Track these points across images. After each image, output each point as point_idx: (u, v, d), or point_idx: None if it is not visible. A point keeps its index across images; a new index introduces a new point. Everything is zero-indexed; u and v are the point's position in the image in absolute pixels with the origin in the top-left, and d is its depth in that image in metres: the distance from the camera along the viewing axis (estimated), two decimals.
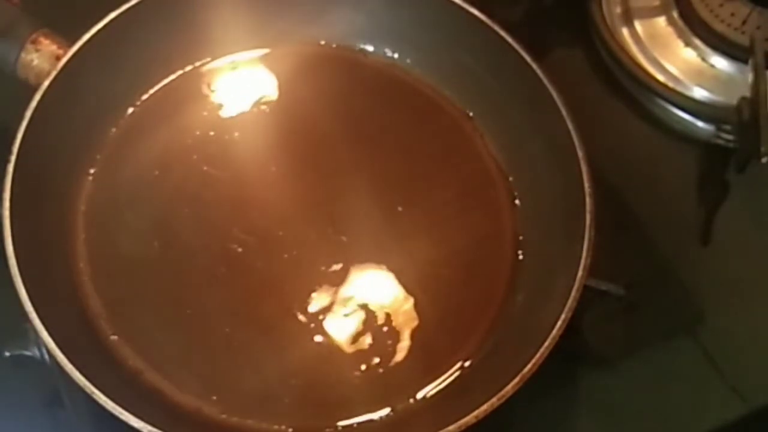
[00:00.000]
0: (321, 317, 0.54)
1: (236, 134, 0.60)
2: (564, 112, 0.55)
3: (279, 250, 0.56)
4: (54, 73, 0.55)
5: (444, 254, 0.57)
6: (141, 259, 0.55)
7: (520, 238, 0.58)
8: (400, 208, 0.58)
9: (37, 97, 0.54)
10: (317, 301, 0.55)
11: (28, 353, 0.51)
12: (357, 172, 0.59)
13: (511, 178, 0.60)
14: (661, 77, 0.67)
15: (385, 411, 0.52)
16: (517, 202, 0.59)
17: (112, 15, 0.57)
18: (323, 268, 0.56)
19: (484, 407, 0.46)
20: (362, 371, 0.53)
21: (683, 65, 0.68)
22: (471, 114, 0.62)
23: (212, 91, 0.62)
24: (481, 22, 0.59)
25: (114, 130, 0.60)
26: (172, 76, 0.62)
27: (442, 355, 0.54)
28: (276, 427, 0.51)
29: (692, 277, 0.60)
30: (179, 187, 0.58)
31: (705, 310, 0.59)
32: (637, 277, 0.57)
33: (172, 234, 0.56)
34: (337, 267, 0.56)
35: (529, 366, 0.47)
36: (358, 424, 0.52)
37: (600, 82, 0.69)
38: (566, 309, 0.49)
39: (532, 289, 0.55)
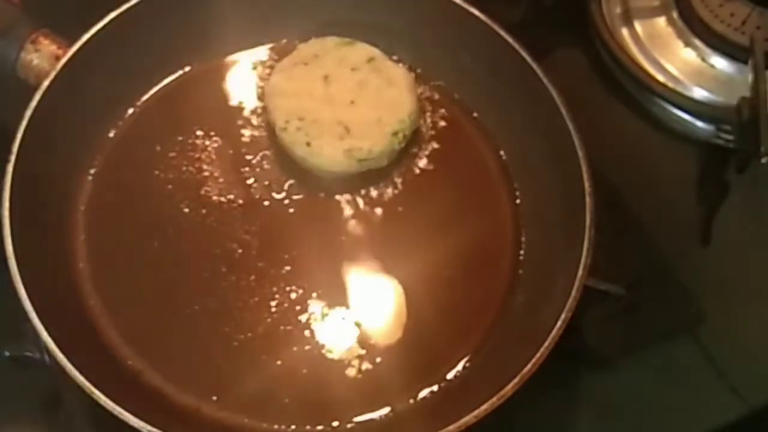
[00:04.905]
0: (322, 317, 0.54)
1: (237, 134, 0.60)
2: (564, 112, 0.55)
3: (279, 251, 0.56)
4: (54, 73, 0.55)
5: (444, 254, 0.57)
6: (141, 259, 0.55)
7: (521, 238, 0.58)
8: (400, 209, 0.58)
9: (37, 97, 0.54)
10: (318, 301, 0.55)
11: (28, 353, 0.51)
12: None
13: (511, 178, 0.60)
14: (661, 77, 0.67)
15: (385, 411, 0.52)
16: (517, 201, 0.59)
17: (112, 15, 0.57)
18: (324, 268, 0.56)
19: (484, 407, 0.46)
20: (362, 371, 0.53)
21: (683, 65, 0.68)
22: (472, 114, 0.62)
23: (211, 90, 0.62)
24: (481, 22, 0.59)
25: (114, 130, 0.60)
26: (172, 77, 0.62)
27: (442, 355, 0.54)
28: (276, 427, 0.51)
29: (692, 277, 0.60)
30: (179, 187, 0.58)
31: (705, 310, 0.59)
32: (637, 277, 0.57)
33: (172, 234, 0.56)
34: (337, 267, 0.56)
35: (529, 366, 0.47)
36: (358, 423, 0.52)
37: (600, 82, 0.69)
38: (566, 309, 0.49)
39: (532, 289, 0.55)
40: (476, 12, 0.59)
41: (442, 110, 0.62)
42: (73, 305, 0.53)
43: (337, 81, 0.59)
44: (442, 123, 0.62)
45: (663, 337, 0.58)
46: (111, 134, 0.60)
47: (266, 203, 0.58)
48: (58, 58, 0.56)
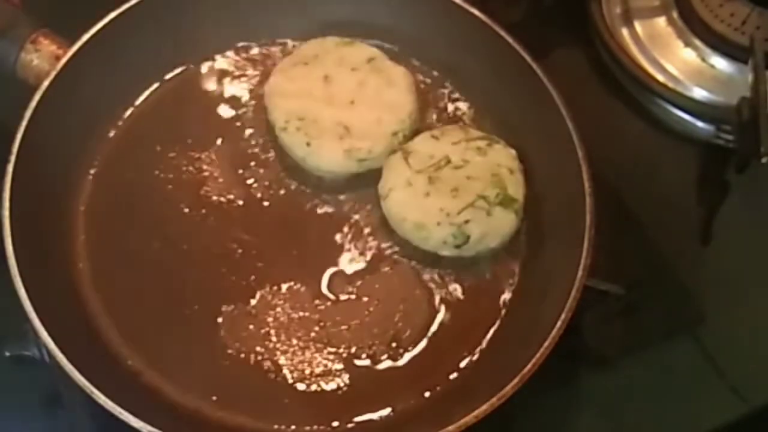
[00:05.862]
0: (322, 317, 0.54)
1: (237, 134, 0.60)
2: (564, 112, 0.55)
3: (280, 250, 0.56)
4: (54, 73, 0.55)
5: None
6: (141, 259, 0.55)
7: (521, 238, 0.58)
8: None
9: (37, 97, 0.54)
10: (318, 301, 0.55)
11: (28, 353, 0.51)
12: None
13: None
14: (661, 77, 0.67)
15: (386, 411, 0.52)
16: None
17: (112, 15, 0.57)
18: (324, 268, 0.56)
19: (484, 407, 0.46)
20: (363, 371, 0.53)
21: (683, 65, 0.68)
22: (472, 113, 0.62)
23: (211, 90, 0.62)
24: (481, 22, 0.59)
25: (114, 130, 0.60)
26: (171, 76, 0.62)
27: (442, 355, 0.54)
28: (276, 426, 0.51)
29: (692, 277, 0.60)
30: (179, 187, 0.58)
31: (705, 310, 0.59)
32: (637, 277, 0.57)
33: (171, 234, 0.56)
34: (338, 267, 0.56)
35: (529, 366, 0.47)
36: (358, 423, 0.52)
37: (600, 82, 0.69)
38: (566, 309, 0.49)
39: (532, 290, 0.55)
40: (476, 12, 0.59)
41: (442, 110, 0.62)
42: (73, 305, 0.53)
43: (337, 81, 0.59)
44: (441, 122, 0.62)
45: (663, 337, 0.58)
46: (111, 134, 0.60)
47: (266, 203, 0.58)
48: (58, 58, 0.56)
